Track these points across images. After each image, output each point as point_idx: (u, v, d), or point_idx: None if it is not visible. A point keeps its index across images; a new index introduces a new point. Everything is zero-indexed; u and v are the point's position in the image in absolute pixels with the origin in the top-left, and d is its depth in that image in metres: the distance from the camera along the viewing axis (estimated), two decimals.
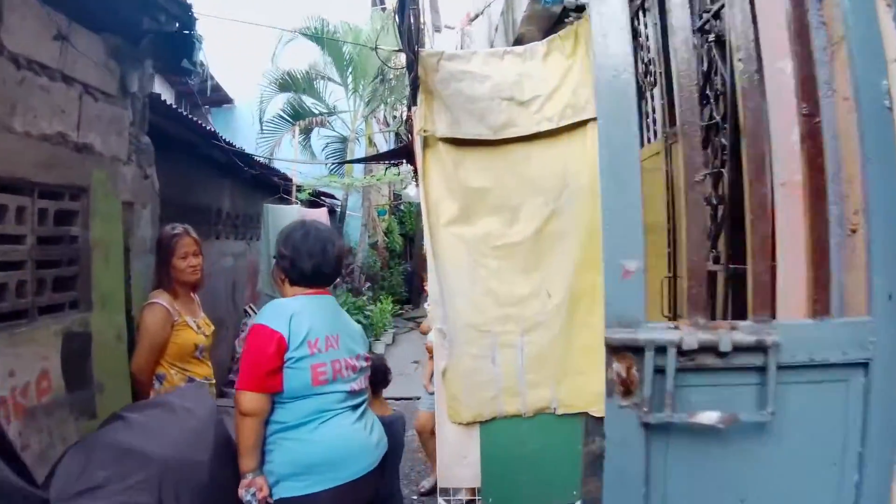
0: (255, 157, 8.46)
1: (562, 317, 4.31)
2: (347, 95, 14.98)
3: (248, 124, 15.51)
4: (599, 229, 4.53)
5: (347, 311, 14.66)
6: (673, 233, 3.43)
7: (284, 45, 14.52)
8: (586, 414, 4.42)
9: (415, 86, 4.46)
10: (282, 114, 14.71)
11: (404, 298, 21.56)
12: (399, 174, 12.88)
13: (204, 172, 7.92)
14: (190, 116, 6.54)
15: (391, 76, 14.93)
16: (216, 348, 8.20)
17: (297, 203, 9.46)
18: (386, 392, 5.43)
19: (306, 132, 15.30)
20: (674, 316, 3.44)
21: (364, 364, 3.36)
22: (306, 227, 3.36)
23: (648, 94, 4.01)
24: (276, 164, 12.41)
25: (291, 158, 12.50)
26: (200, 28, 5.31)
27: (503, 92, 4.37)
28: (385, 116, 19.43)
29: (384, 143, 20.06)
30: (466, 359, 4.28)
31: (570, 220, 4.35)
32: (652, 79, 3.96)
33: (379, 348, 15.55)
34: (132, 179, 4.65)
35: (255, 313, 9.82)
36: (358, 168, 16.06)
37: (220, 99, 17.77)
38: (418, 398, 10.55)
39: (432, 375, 6.44)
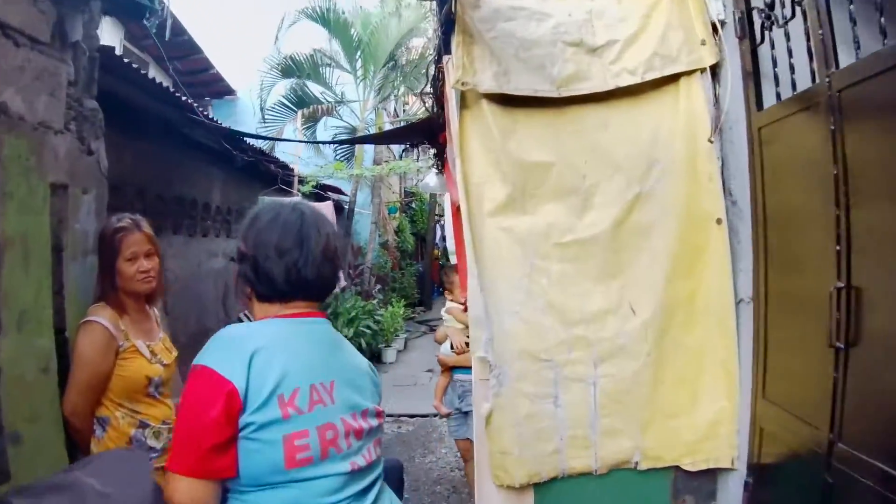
0: (247, 139, 7.24)
1: (650, 340, 3.15)
2: (356, 83, 13.81)
3: (251, 116, 14.35)
4: (700, 218, 3.45)
5: (355, 316, 13.59)
6: (846, 221, 2.26)
7: (288, 28, 13.36)
8: (676, 468, 3.27)
9: (447, 27, 3.30)
10: (284, 101, 13.44)
11: (416, 301, 20.48)
12: (417, 160, 11.67)
13: (188, 158, 6.80)
14: (162, 84, 5.37)
15: (403, 61, 13.80)
16: None
17: (297, 195, 8.26)
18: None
19: (312, 120, 14.11)
20: (846, 345, 2.27)
21: (375, 423, 2.14)
22: (277, 209, 2.14)
23: (781, 33, 2.84)
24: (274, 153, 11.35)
25: (289, 143, 11.25)
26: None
27: (568, 35, 3.22)
28: (395, 109, 18.23)
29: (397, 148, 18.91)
30: (520, 399, 3.11)
31: (660, 206, 3.20)
32: (787, 10, 2.78)
33: (390, 355, 14.46)
34: (68, 154, 3.50)
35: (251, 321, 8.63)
36: (367, 160, 14.83)
37: (222, 90, 16.63)
38: (435, 415, 9.57)
39: (444, 393, 5.46)
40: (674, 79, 3.28)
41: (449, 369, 5.34)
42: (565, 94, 3.19)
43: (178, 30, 13.68)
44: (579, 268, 3.15)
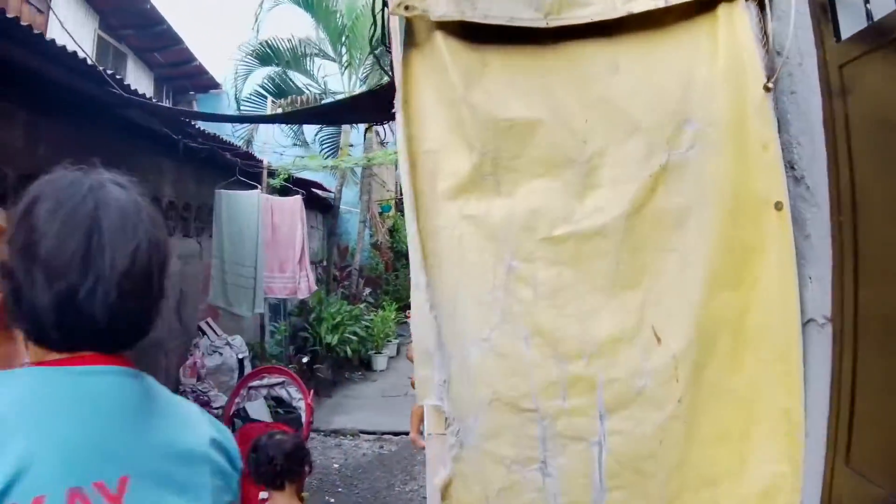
0: (178, 114, 6.19)
1: (681, 380, 2.16)
2: (341, 72, 12.82)
3: (236, 110, 13.32)
4: (752, 202, 2.32)
5: (340, 322, 12.61)
6: None
7: (268, 11, 12.34)
8: None
9: None
10: (261, 90, 12.30)
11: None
12: (383, 143, 10.62)
13: (129, 145, 5.81)
14: (68, 50, 4.35)
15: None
16: None
17: (259, 189, 7.25)
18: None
19: None
20: None
21: None
22: (66, 190, 1.16)
23: None
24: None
25: (269, 135, 10.11)
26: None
27: None
28: None
29: (388, 132, 17.82)
30: (491, 465, 2.13)
31: (694, 185, 2.21)
32: None
33: (380, 363, 13.49)
34: None
35: (217, 334, 7.70)
36: (356, 151, 13.72)
37: (207, 83, 15.59)
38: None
39: (422, 421, 4.57)
40: (709, 6, 2.29)
41: None
42: (556, 24, 2.19)
43: (157, 19, 12.76)
44: (579, 274, 2.15)
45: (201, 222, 7.39)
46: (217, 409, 5.96)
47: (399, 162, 2.17)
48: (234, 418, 5.65)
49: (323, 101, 13.00)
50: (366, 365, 13.27)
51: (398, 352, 14.77)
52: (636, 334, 2.17)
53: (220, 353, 6.98)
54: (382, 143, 14.32)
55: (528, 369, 2.11)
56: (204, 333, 7.25)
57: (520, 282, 2.13)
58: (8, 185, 4.63)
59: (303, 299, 10.47)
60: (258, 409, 6.16)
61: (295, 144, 12.67)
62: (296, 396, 5.79)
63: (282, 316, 11.18)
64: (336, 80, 13.20)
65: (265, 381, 5.85)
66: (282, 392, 5.86)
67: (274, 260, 7.73)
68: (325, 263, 13.88)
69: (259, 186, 7.05)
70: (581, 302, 2.14)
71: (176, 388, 6.56)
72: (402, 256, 21.13)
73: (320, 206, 13.97)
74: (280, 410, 6.28)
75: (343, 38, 12.37)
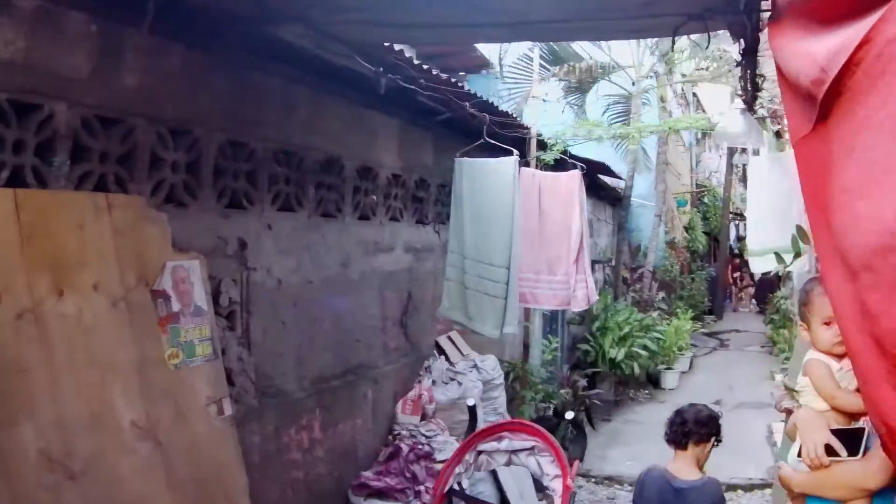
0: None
1: None
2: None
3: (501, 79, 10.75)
4: None
5: (628, 333, 9.72)
6: None
7: None
8: None
9: None
10: (531, 53, 9.24)
11: (706, 309, 16.28)
12: (710, 119, 7.57)
13: (316, 91, 3.82)
14: None
15: None
16: (333, 426, 4.04)
17: (516, 156, 4.66)
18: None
19: (577, 91, 10.50)
20: None
21: None
22: None
23: None
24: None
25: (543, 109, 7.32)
26: None
27: None
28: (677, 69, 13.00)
29: (676, 107, 14.33)
30: None
31: None
32: None
33: (670, 380, 10.66)
34: None
35: (462, 353, 5.47)
36: (649, 118, 10.55)
37: (476, 61, 13.00)
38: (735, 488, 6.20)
39: None
40: None
41: (801, 498, 2.16)
42: None
43: None
44: None
45: (443, 205, 5.29)
46: (442, 462, 3.81)
47: None
48: (451, 496, 3.41)
49: (610, 74, 10.27)
50: (653, 382, 10.55)
51: (690, 366, 11.89)
52: None
53: (460, 383, 4.78)
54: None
55: None
56: (442, 352, 5.12)
57: None
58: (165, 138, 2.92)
59: None
60: (518, 481, 3.90)
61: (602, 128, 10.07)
62: (550, 472, 3.41)
63: (559, 325, 8.76)
64: (623, 50, 10.39)
65: (504, 445, 3.52)
66: (529, 461, 3.49)
67: (540, 257, 5.35)
68: (613, 263, 11.25)
69: (515, 154, 4.64)
70: None
71: (388, 429, 4.45)
72: (698, 257, 17.82)
73: (608, 195, 11.25)
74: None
75: None
